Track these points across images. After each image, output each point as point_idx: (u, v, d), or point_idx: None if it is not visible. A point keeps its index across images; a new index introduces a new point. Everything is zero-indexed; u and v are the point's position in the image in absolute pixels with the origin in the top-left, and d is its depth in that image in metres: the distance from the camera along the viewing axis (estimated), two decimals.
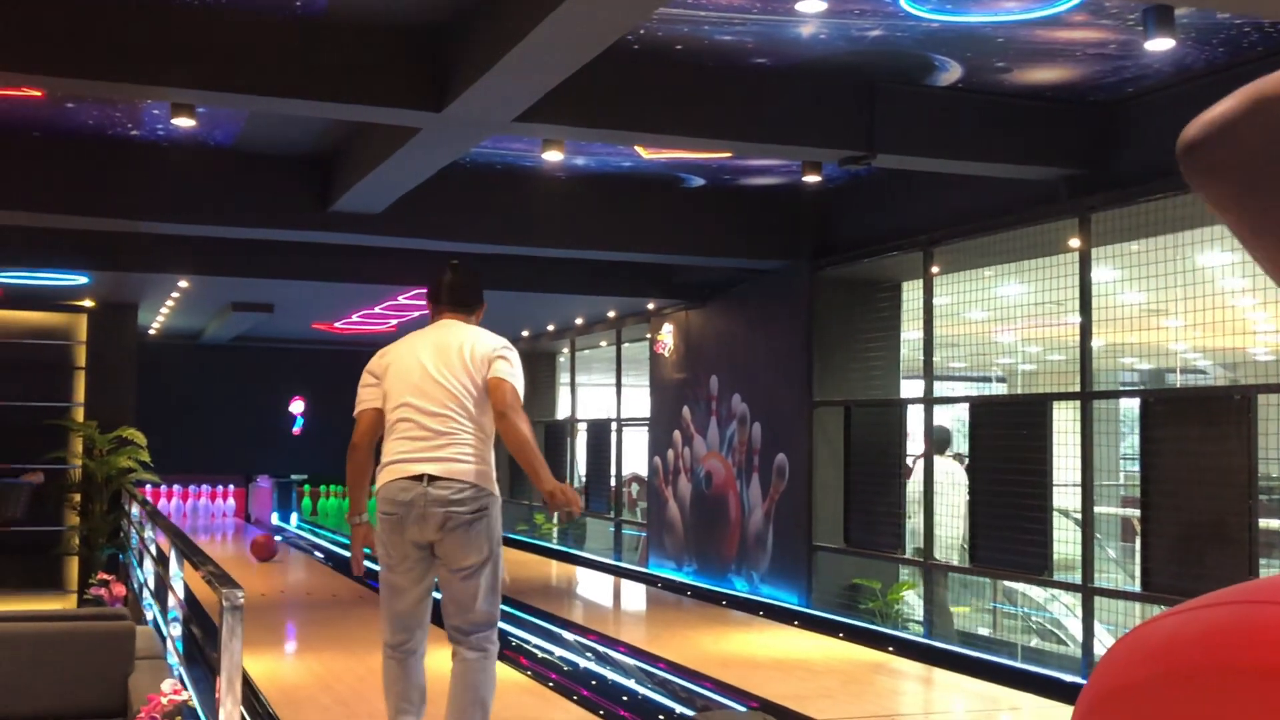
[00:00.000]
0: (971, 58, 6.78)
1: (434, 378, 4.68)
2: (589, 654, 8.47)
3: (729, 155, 8.56)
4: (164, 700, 4.44)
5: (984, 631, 10.12)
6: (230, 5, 6.06)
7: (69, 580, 13.30)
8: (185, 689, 4.55)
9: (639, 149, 8.59)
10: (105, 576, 7.84)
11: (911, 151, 7.50)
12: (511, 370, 4.76)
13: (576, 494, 4.75)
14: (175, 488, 20.78)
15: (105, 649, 5.81)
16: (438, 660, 5.01)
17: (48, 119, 8.20)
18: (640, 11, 5.05)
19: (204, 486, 21.11)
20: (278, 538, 16.03)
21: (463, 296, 5.00)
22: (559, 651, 8.45)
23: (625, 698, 7.10)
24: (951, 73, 7.07)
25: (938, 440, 9.52)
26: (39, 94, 7.45)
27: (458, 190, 9.45)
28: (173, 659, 6.43)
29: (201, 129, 8.32)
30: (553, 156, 8.11)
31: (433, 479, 4.57)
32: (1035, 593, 9.90)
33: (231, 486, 21.25)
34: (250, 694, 7.00)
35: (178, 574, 6.59)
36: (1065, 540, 8.69)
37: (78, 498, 13.20)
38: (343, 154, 8.74)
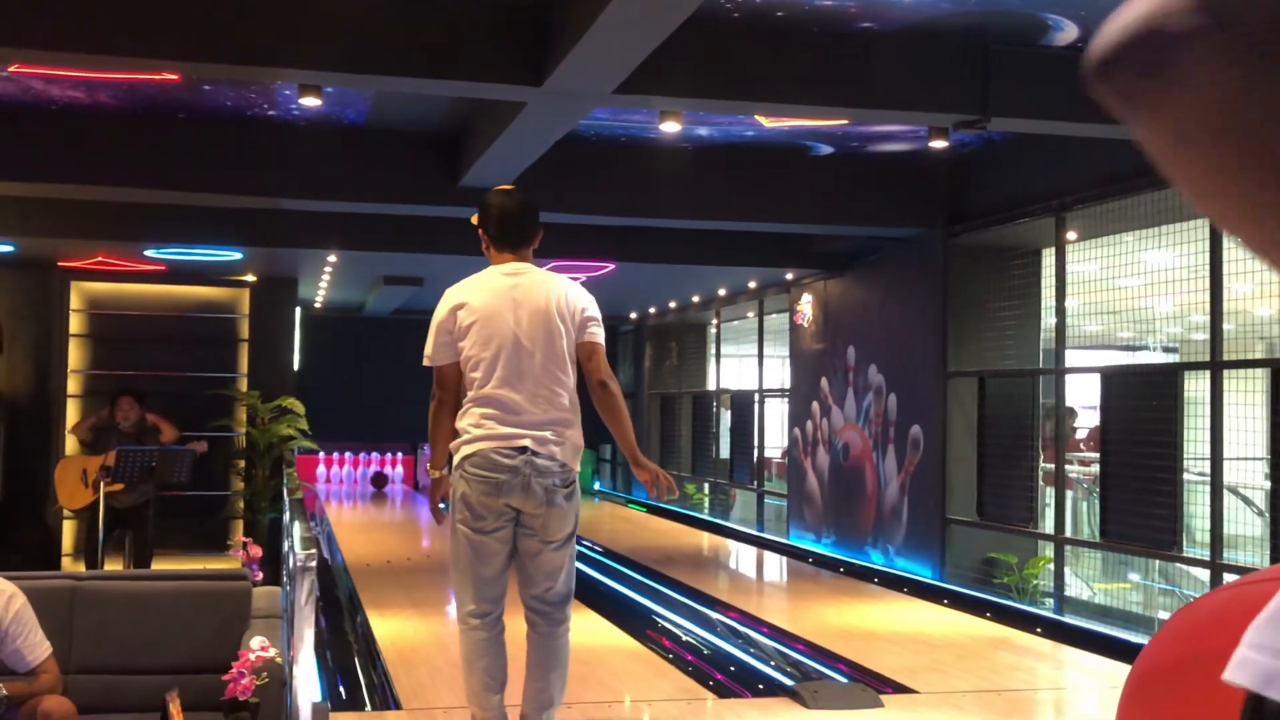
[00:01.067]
0: (1086, 16, 6.55)
1: (529, 347, 4.50)
2: (703, 622, 8.53)
3: (845, 122, 8.45)
4: (252, 657, 4.66)
5: (1136, 609, 9.81)
6: None
7: (234, 542, 13.94)
8: (273, 646, 4.76)
9: (759, 118, 8.54)
10: (244, 539, 8.21)
11: (1029, 114, 7.28)
12: (602, 332, 4.67)
13: (669, 476, 4.69)
14: (347, 455, 21.58)
15: (223, 608, 6.11)
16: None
17: (189, 101, 8.57)
18: None
19: (374, 454, 21.85)
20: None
21: (527, 229, 4.70)
22: (698, 631, 8.54)
23: (733, 667, 7.14)
24: (1068, 32, 6.84)
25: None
26: (175, 77, 7.80)
27: (585, 163, 9.55)
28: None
29: (333, 107, 8.60)
30: (670, 128, 8.14)
31: (534, 453, 4.46)
32: (1199, 572, 9.55)
33: (400, 454, 21.94)
34: (369, 651, 7.27)
35: (297, 534, 6.87)
36: (1236, 520, 8.30)
37: (242, 464, 13.83)
38: (467, 129, 8.92)
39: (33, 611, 4.93)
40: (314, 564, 4.28)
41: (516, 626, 4.69)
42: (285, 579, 8.00)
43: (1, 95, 8.38)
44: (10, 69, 7.59)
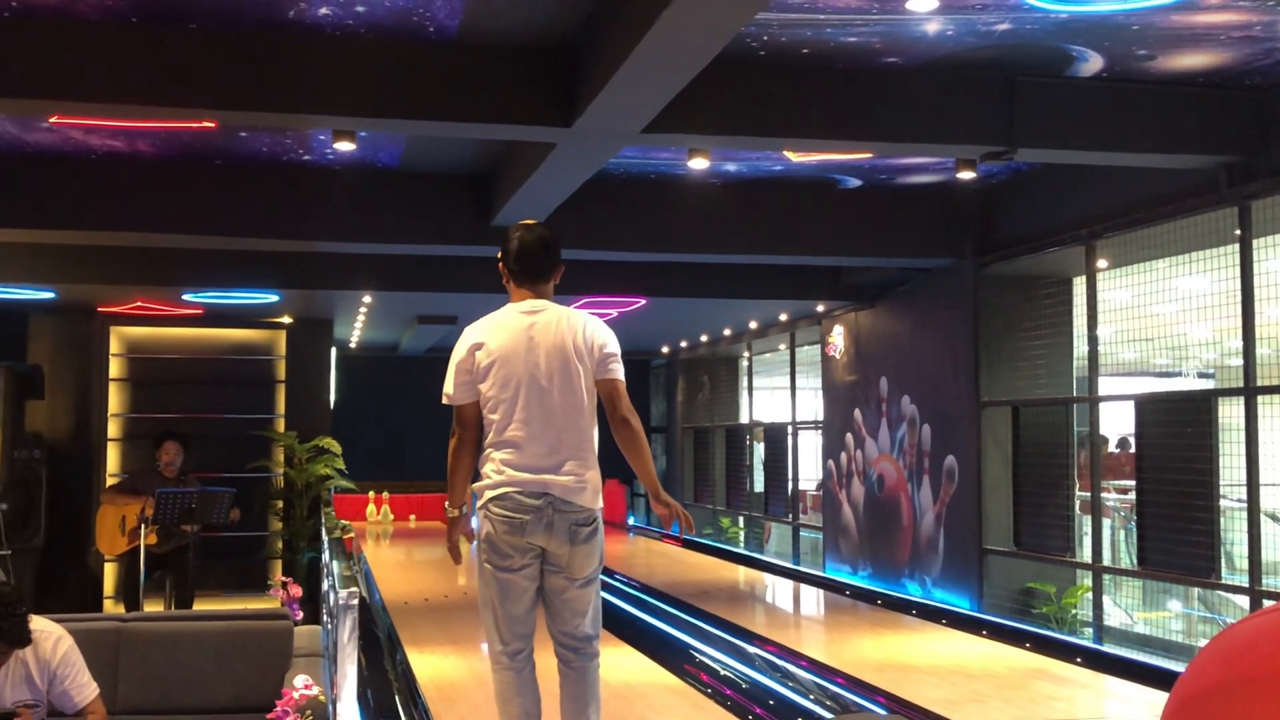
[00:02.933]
0: (1110, 47, 6.60)
1: (546, 387, 4.47)
2: (741, 657, 8.53)
3: (869, 156, 8.51)
4: (296, 695, 4.73)
5: (1177, 638, 9.75)
6: (368, 33, 6.37)
7: (273, 582, 14.04)
8: (316, 685, 4.83)
9: (787, 152, 8.62)
10: (284, 579, 8.29)
11: (1055, 145, 7.33)
12: (621, 368, 4.61)
13: (687, 513, 4.69)
14: (385, 494, 21.66)
15: (266, 647, 6.19)
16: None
17: (226, 148, 8.73)
18: (742, 15, 5.10)
19: (413, 494, 21.89)
20: None
21: (546, 264, 4.67)
22: (736, 665, 8.55)
23: (772, 701, 7.14)
24: (1092, 63, 6.89)
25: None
26: (212, 125, 7.95)
27: (614, 200, 9.65)
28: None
29: (366, 151, 8.73)
30: (699, 164, 8.22)
31: (555, 497, 4.44)
32: (1240, 598, 9.48)
33: (437, 492, 22.00)
34: (408, 689, 7.33)
35: (337, 573, 6.94)
36: (1274, 545, 8.24)
37: (280, 504, 13.95)
38: (498, 170, 9.04)
39: (80, 653, 5.02)
40: (355, 602, 4.34)
41: (546, 662, 4.72)
42: (325, 618, 8.07)
43: (42, 146, 8.56)
44: (50, 120, 7.76)
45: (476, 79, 6.56)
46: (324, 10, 6.07)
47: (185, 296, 12.56)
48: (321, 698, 4.82)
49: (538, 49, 6.54)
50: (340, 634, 4.28)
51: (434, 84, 6.53)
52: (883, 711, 6.69)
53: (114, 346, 13.76)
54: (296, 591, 8.17)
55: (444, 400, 4.61)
